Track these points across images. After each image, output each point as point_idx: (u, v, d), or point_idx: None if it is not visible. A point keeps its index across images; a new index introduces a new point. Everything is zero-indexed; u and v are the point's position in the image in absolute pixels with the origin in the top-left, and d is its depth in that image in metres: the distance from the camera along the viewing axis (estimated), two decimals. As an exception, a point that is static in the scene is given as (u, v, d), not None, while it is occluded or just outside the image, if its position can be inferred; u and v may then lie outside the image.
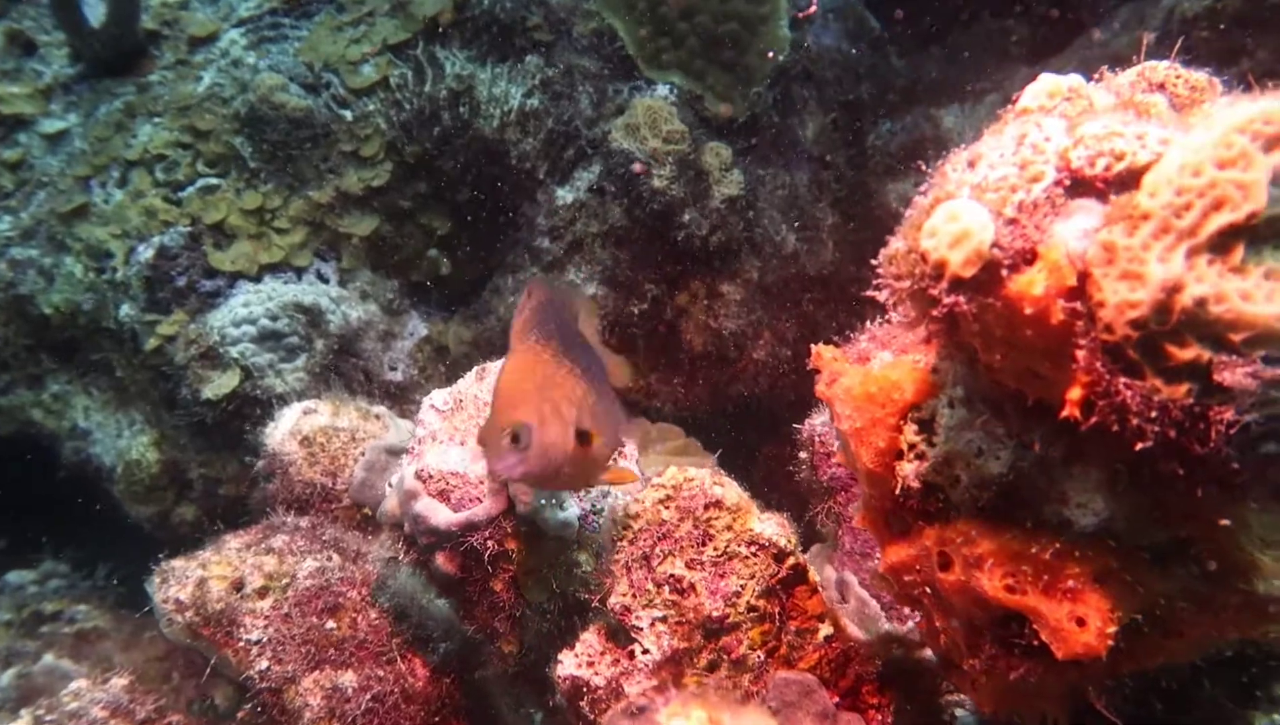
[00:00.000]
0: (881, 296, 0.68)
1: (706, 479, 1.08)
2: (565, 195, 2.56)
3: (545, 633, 1.27)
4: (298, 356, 2.23)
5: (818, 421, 1.46)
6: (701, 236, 2.42)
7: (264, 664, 1.39)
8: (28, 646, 2.25)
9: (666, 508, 1.08)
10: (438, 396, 1.43)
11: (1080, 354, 0.54)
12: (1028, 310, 0.56)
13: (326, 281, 2.39)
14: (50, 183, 2.38)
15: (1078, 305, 0.55)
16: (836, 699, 0.99)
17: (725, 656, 0.99)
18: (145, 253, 2.28)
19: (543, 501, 1.22)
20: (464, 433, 1.33)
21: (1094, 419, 0.54)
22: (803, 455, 1.45)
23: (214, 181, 2.35)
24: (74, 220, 2.34)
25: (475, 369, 1.43)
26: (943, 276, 0.59)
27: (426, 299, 2.61)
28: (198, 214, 2.31)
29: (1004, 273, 0.57)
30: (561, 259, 2.58)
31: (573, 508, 1.26)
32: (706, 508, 1.07)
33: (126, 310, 2.30)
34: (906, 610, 1.08)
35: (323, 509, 1.79)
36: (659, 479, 1.10)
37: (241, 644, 1.40)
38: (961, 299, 0.58)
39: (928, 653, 1.03)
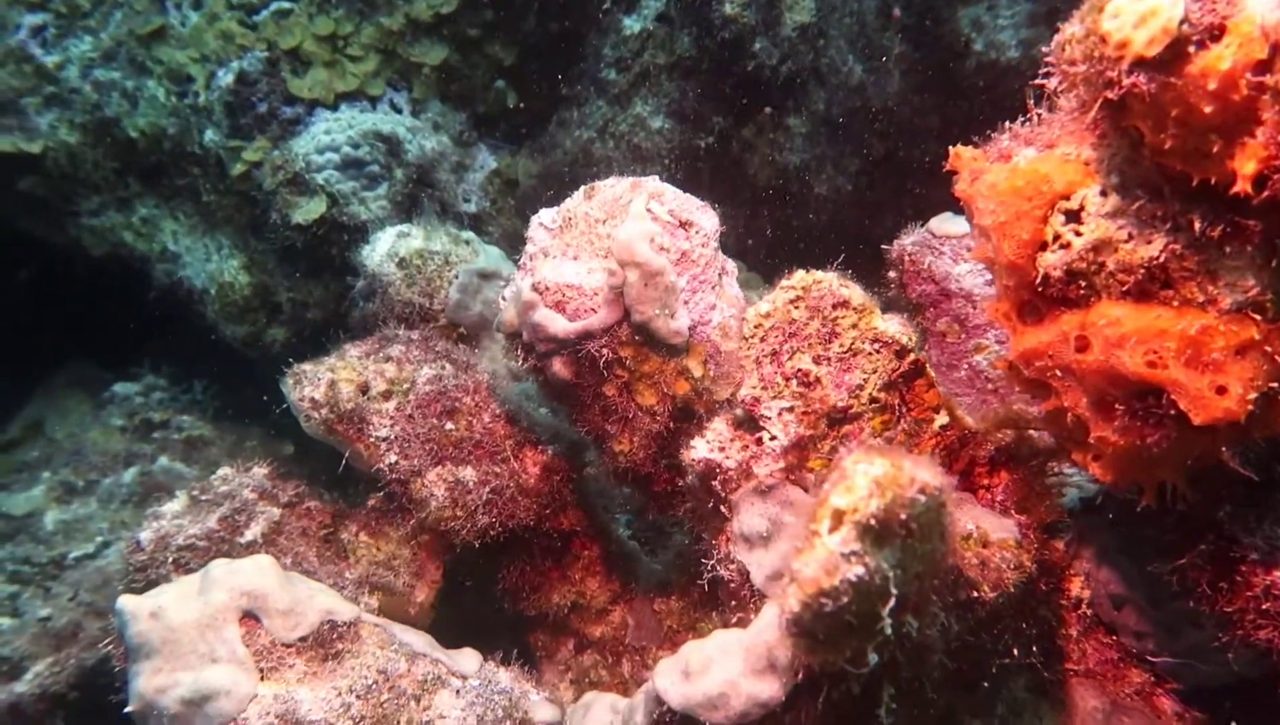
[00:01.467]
0: (1051, 84, 0.72)
1: (834, 280, 1.16)
2: (632, 24, 2.52)
3: (654, 433, 1.39)
4: (379, 184, 2.28)
5: (908, 241, 1.52)
6: (771, 66, 2.40)
7: (392, 458, 1.54)
8: (144, 449, 2.45)
9: (796, 307, 1.17)
10: (546, 215, 1.49)
11: (1262, 128, 0.59)
12: (1211, 86, 0.60)
13: (400, 111, 2.41)
14: (126, 3, 2.37)
15: (1265, 79, 0.59)
16: (953, 480, 1.10)
17: (847, 443, 1.11)
18: (225, 78, 2.30)
19: (656, 311, 1.31)
20: (576, 248, 1.40)
21: (1266, 193, 0.60)
22: (891, 275, 1.52)
23: (286, 5, 2.33)
24: (153, 42, 2.35)
25: (584, 188, 1.48)
26: (1124, 56, 0.63)
27: (493, 131, 2.62)
28: (273, 39, 2.30)
29: (1190, 49, 0.61)
30: (628, 91, 2.57)
31: (684, 317, 1.34)
32: (834, 307, 1.15)
33: (210, 135, 2.35)
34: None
35: (418, 324, 1.90)
36: (789, 281, 1.18)
37: (371, 440, 1.54)
38: (1142, 79, 0.63)
39: (1036, 436, 1.14)
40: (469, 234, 2.00)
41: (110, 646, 1.35)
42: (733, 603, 1.30)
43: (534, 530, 1.59)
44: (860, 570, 0.76)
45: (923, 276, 1.43)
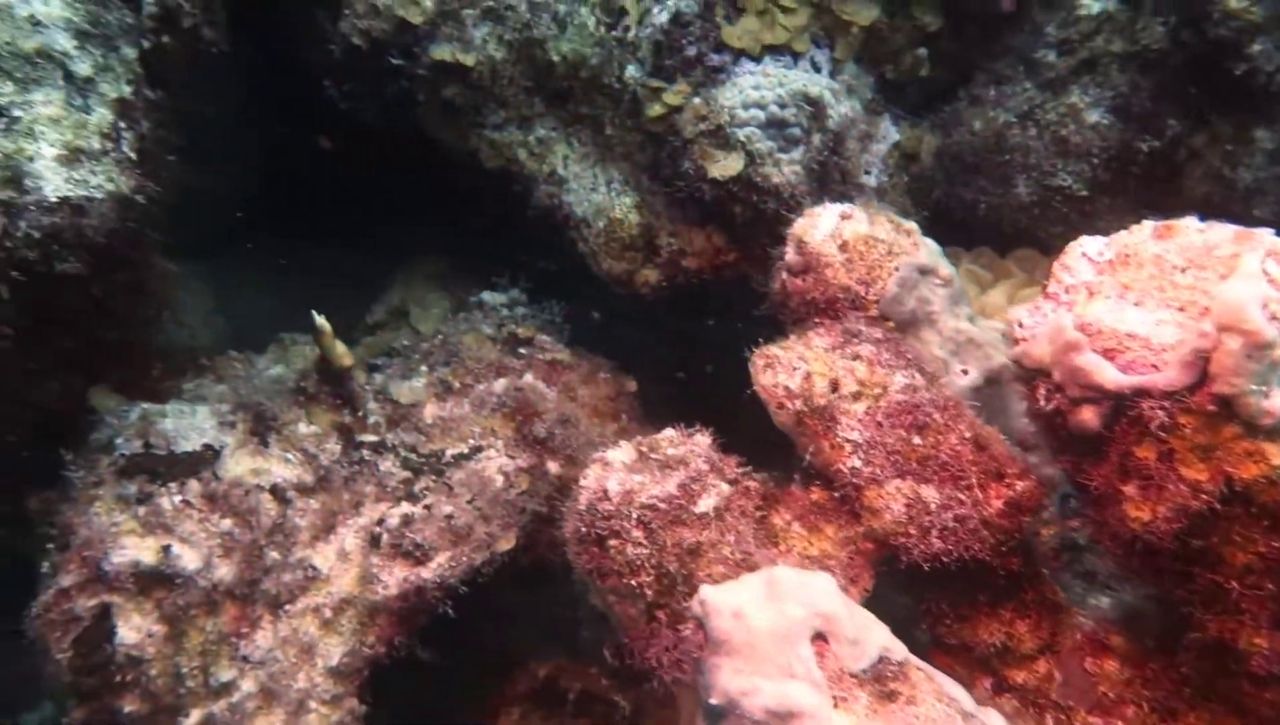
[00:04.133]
0: None
1: None
2: (1091, 3, 2.26)
3: (1191, 510, 1.27)
4: (795, 148, 2.21)
5: None
6: (1268, 73, 2.09)
7: (856, 462, 1.51)
8: (513, 363, 2.58)
9: None
10: (1090, 244, 1.37)
11: None
12: None
13: (819, 70, 2.30)
14: (573, -74, 2.38)
15: None
16: None
17: None
18: (660, 16, 2.28)
19: (1250, 387, 1.17)
20: (1140, 293, 1.27)
21: None
22: None
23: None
24: (574, -30, 2.36)
25: (1151, 224, 1.34)
26: None
27: (898, 99, 2.47)
28: (714, -20, 2.25)
29: None
30: (1066, 77, 2.34)
31: (1278, 397, 1.20)
32: None
33: (631, 71, 2.35)
34: None
35: (848, 315, 1.84)
36: None
37: (838, 439, 1.52)
38: None
39: None
40: (911, 223, 1.90)
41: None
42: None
43: (984, 565, 1.52)
44: None
45: None
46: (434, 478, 2.35)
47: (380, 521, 2.21)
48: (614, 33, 2.36)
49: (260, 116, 3.02)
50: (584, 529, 1.65)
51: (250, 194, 3.20)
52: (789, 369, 1.55)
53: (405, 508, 2.24)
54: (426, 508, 2.20)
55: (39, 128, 1.76)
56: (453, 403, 2.56)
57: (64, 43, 1.79)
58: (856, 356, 1.58)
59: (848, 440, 1.51)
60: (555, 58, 2.44)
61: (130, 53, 1.90)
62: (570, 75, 2.46)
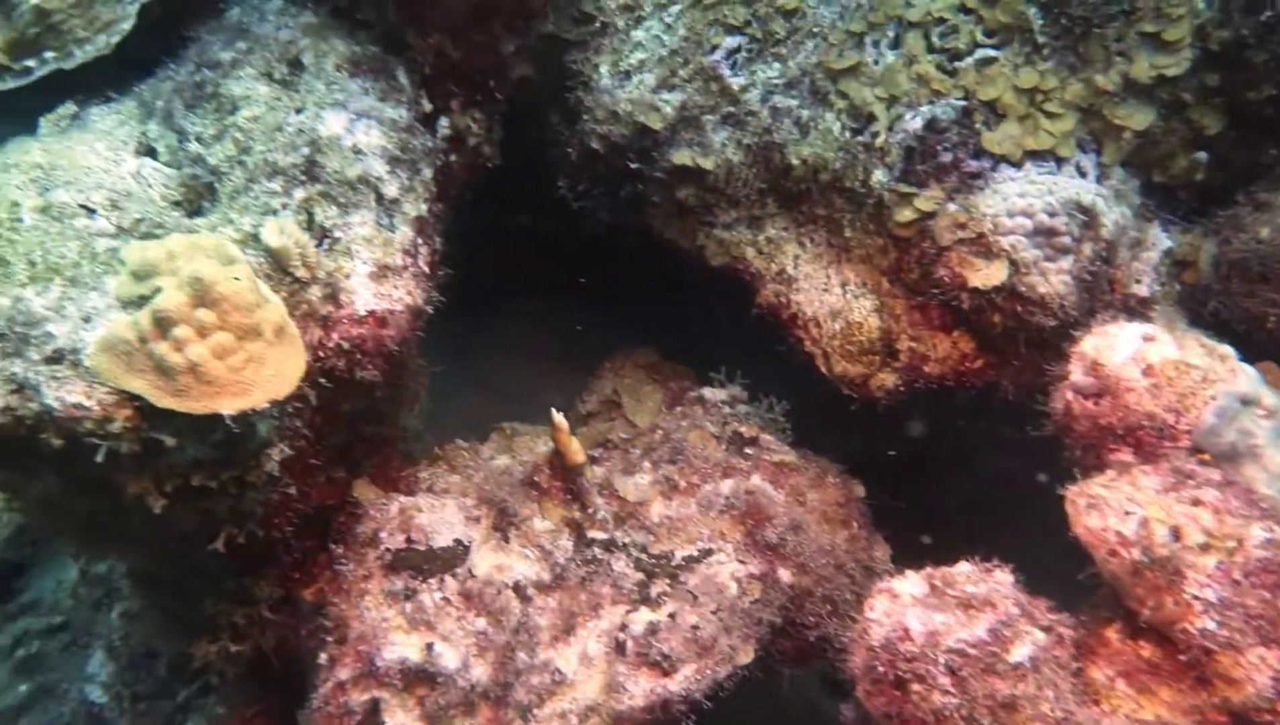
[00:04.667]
0: None
1: None
2: (1393, 103, 2.10)
3: None
4: (1064, 257, 2.13)
5: None
6: None
7: (1208, 623, 1.39)
8: (740, 463, 2.56)
9: None
10: None
11: None
12: None
13: (1085, 175, 2.22)
14: (821, 34, 2.41)
15: None
16: None
17: None
18: (914, 122, 2.26)
19: None
20: None
21: None
22: None
23: (992, 54, 2.22)
24: (842, 77, 2.37)
25: None
26: None
27: (1167, 203, 2.35)
28: (972, 87, 2.21)
29: None
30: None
31: None
32: None
33: (879, 176, 2.33)
34: None
35: (1154, 445, 1.72)
36: None
37: (1185, 596, 1.41)
38: None
39: None
40: (1226, 347, 1.78)
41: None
42: None
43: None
44: None
45: None
46: (668, 581, 2.34)
47: (623, 627, 2.21)
48: (860, 137, 2.36)
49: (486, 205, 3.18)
50: (880, 668, 1.58)
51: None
52: (1119, 513, 1.46)
53: (647, 614, 2.23)
54: (671, 616, 2.18)
55: (355, 247, 1.89)
56: (679, 502, 2.56)
57: (379, 168, 1.93)
58: (1197, 502, 1.46)
59: (1198, 598, 1.39)
60: (795, 161, 2.45)
61: (428, 173, 2.03)
62: (809, 178, 2.47)
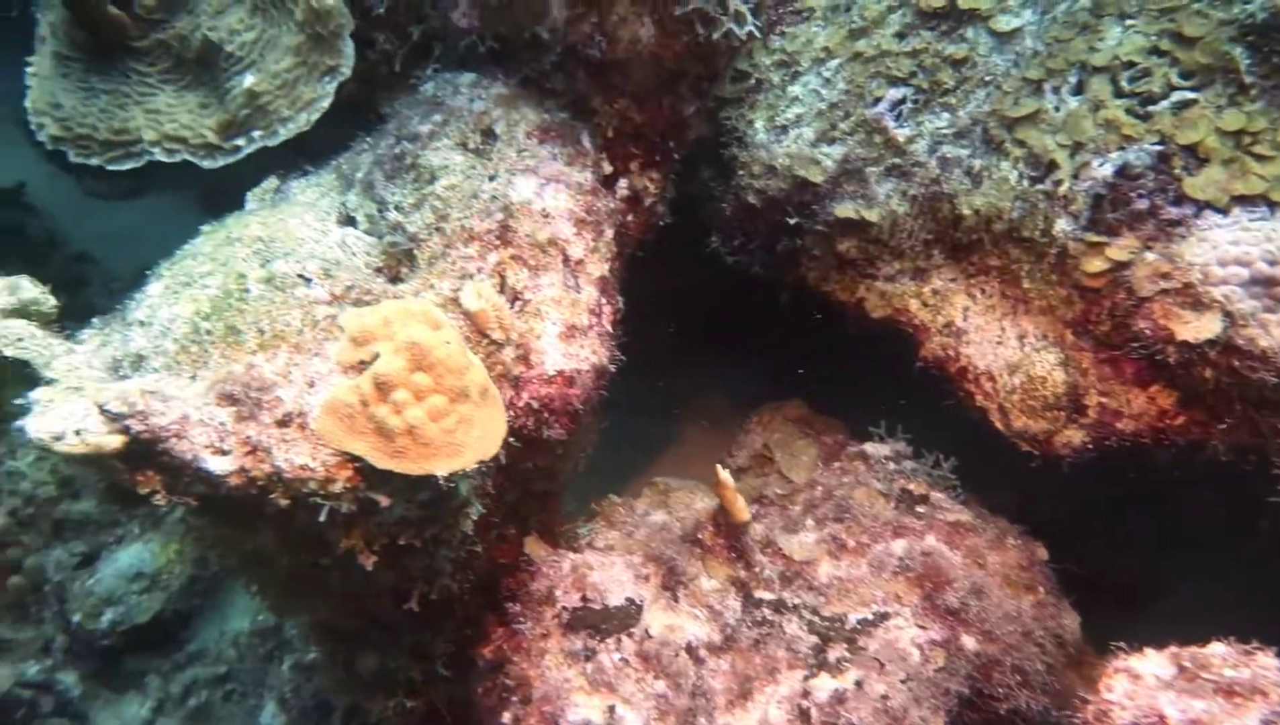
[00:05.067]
0: None
1: None
2: None
3: None
4: (1282, 306, 1.99)
5: None
6: None
7: None
8: (912, 523, 2.47)
9: None
10: None
11: None
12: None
13: (1296, 218, 2.08)
14: (994, 82, 2.36)
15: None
16: None
17: None
18: (1103, 169, 2.17)
19: None
20: None
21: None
22: None
23: (1190, 96, 2.13)
24: (1019, 125, 2.31)
25: None
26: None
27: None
28: (1169, 131, 2.12)
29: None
30: None
31: None
32: None
33: (1063, 225, 2.25)
34: None
35: None
36: None
37: None
38: None
39: None
40: None
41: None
42: None
43: None
44: None
45: None
46: (845, 645, 2.26)
47: (805, 693, 2.14)
48: (1039, 186, 2.28)
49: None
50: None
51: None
52: None
53: (830, 680, 2.15)
54: (858, 684, 2.10)
55: (544, 308, 1.93)
56: (848, 562, 2.48)
57: (566, 231, 1.97)
58: None
59: None
60: (966, 211, 2.39)
61: (609, 234, 2.06)
62: (981, 228, 2.40)
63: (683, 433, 3.47)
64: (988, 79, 2.37)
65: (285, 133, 2.22)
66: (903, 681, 2.09)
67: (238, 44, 2.18)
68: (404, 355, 1.63)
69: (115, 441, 1.54)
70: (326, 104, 2.20)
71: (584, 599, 2.23)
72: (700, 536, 2.52)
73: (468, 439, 1.66)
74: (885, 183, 2.48)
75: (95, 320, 1.93)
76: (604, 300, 2.01)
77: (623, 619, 2.22)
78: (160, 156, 2.28)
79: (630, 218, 2.15)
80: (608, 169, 2.06)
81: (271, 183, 2.28)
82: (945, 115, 2.41)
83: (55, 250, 5.07)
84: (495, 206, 1.92)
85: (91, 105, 2.30)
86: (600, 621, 2.18)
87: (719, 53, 1.88)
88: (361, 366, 1.69)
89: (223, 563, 2.35)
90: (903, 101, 2.45)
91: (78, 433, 1.51)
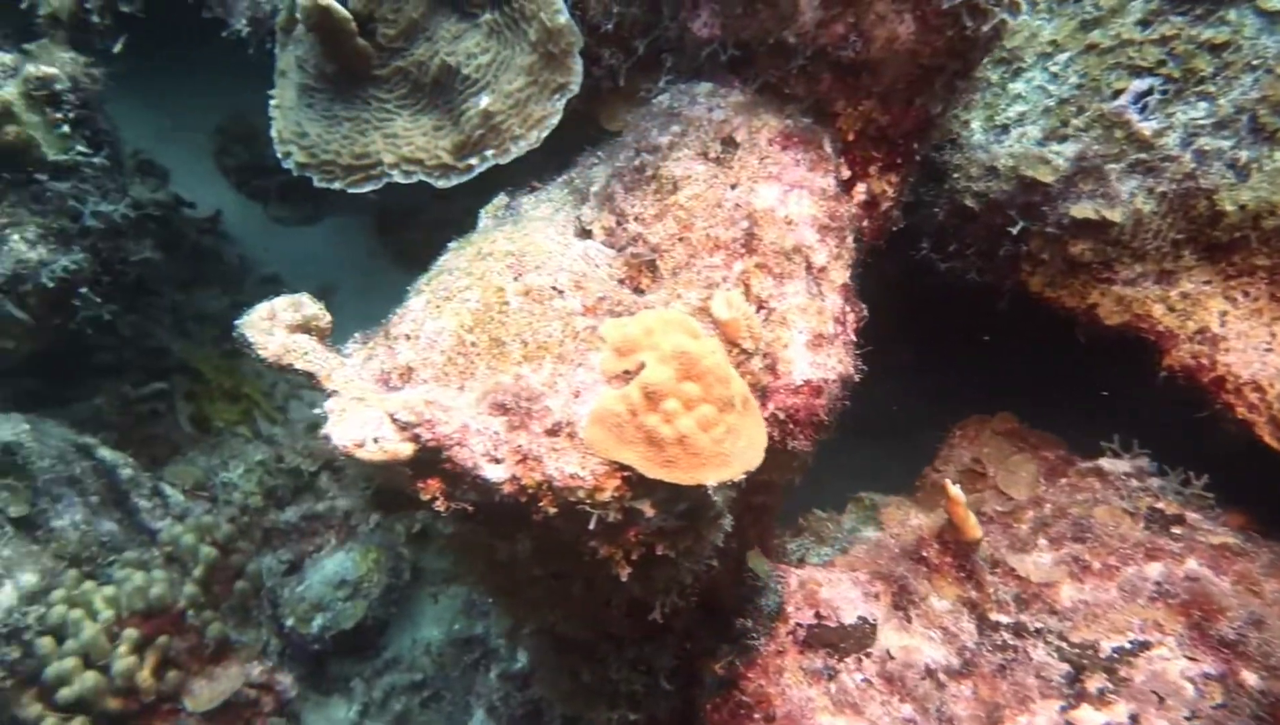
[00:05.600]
0: None
1: None
2: None
3: None
4: None
5: None
6: None
7: None
8: (1168, 545, 2.29)
9: None
10: None
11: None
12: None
13: None
14: (1263, 66, 2.17)
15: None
16: None
17: None
18: (1404, 153, 1.96)
19: None
20: None
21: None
22: None
23: None
24: (1293, 111, 2.12)
25: None
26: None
27: None
28: None
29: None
30: None
31: None
32: None
33: (1351, 218, 2.04)
34: None
35: None
36: None
37: None
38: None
39: None
40: None
41: None
42: None
43: None
44: None
45: None
46: (1105, 675, 2.10)
47: (1067, 726, 2.00)
48: (1323, 176, 2.08)
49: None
50: None
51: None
52: None
53: (1094, 713, 1.99)
54: (1133, 719, 1.94)
55: (790, 316, 1.89)
56: (1093, 585, 2.31)
57: (810, 237, 1.93)
58: None
59: None
60: (1229, 207, 2.20)
61: (850, 240, 2.00)
62: (1245, 225, 2.20)
63: (874, 443, 3.35)
64: (1255, 63, 2.18)
65: (516, 151, 2.27)
66: (1187, 720, 1.91)
67: (474, 66, 2.26)
68: (672, 364, 1.62)
69: (408, 449, 1.59)
70: (556, 121, 2.25)
71: (818, 616, 2.16)
72: (924, 554, 2.41)
73: (735, 449, 1.64)
74: (1129, 180, 2.32)
75: (356, 335, 2.02)
76: (848, 307, 1.95)
77: (859, 638, 2.14)
78: (398, 178, 2.38)
79: (865, 224, 2.09)
80: (845, 173, 2.01)
81: (501, 200, 2.34)
82: (1203, 105, 2.23)
83: (247, 272, 5.43)
84: (739, 215, 1.90)
85: (335, 132, 2.44)
86: (837, 640, 2.11)
87: (977, 47, 1.80)
88: (625, 376, 1.69)
89: (463, 571, 2.41)
90: (1149, 93, 2.29)
91: (375, 440, 1.57)
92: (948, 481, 2.33)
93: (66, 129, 3.25)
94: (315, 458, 4.43)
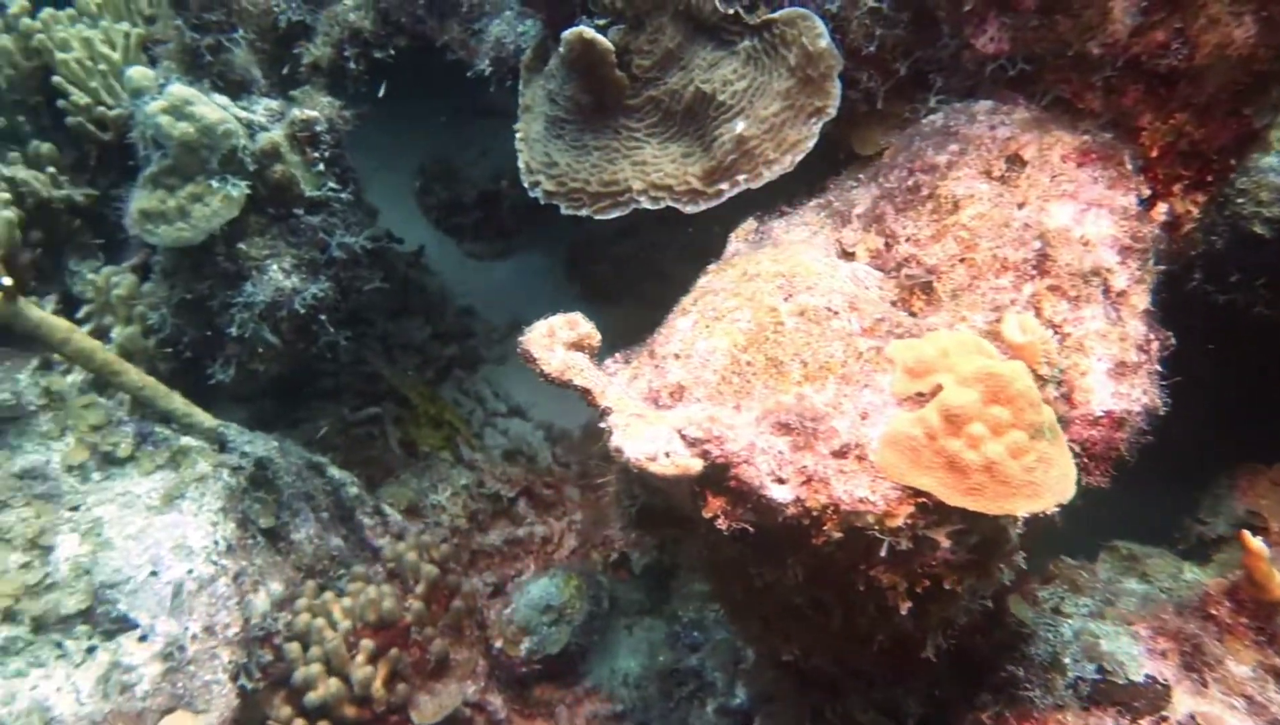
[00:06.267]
0: None
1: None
2: None
3: None
4: None
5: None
6: None
7: None
8: None
9: None
10: None
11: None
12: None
13: None
14: None
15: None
16: None
17: None
18: None
19: None
20: None
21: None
22: None
23: None
24: None
25: None
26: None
27: None
28: None
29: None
30: None
31: None
32: None
33: None
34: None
35: None
36: None
37: None
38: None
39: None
40: None
41: None
42: None
43: None
44: None
45: None
46: None
47: None
48: None
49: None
50: None
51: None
52: None
53: None
54: None
55: (1089, 343, 1.76)
56: None
57: (1110, 259, 1.79)
58: None
59: None
60: None
61: (1151, 262, 1.85)
62: None
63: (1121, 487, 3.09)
64: None
65: (769, 175, 2.27)
66: None
67: (729, 93, 2.28)
68: (976, 387, 1.54)
69: (697, 464, 1.58)
70: (811, 145, 2.23)
71: (1101, 670, 1.97)
72: (1213, 613, 2.16)
73: (1047, 479, 1.52)
74: None
75: (617, 354, 2.05)
76: (1151, 335, 1.80)
77: (1151, 698, 1.93)
78: (646, 204, 2.43)
79: (1162, 247, 1.93)
80: (1145, 192, 1.87)
81: (750, 224, 2.33)
82: None
83: (446, 304, 5.71)
84: (1029, 235, 1.80)
85: (583, 161, 2.52)
86: (1128, 699, 1.91)
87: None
88: (918, 399, 1.62)
89: (716, 594, 2.38)
90: None
91: (667, 455, 1.57)
92: (1246, 533, 2.09)
93: (321, 167, 3.55)
94: (513, 484, 4.56)
